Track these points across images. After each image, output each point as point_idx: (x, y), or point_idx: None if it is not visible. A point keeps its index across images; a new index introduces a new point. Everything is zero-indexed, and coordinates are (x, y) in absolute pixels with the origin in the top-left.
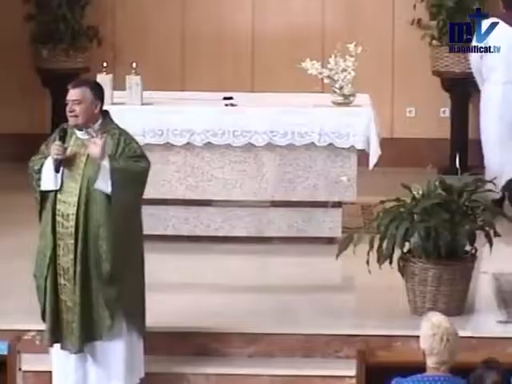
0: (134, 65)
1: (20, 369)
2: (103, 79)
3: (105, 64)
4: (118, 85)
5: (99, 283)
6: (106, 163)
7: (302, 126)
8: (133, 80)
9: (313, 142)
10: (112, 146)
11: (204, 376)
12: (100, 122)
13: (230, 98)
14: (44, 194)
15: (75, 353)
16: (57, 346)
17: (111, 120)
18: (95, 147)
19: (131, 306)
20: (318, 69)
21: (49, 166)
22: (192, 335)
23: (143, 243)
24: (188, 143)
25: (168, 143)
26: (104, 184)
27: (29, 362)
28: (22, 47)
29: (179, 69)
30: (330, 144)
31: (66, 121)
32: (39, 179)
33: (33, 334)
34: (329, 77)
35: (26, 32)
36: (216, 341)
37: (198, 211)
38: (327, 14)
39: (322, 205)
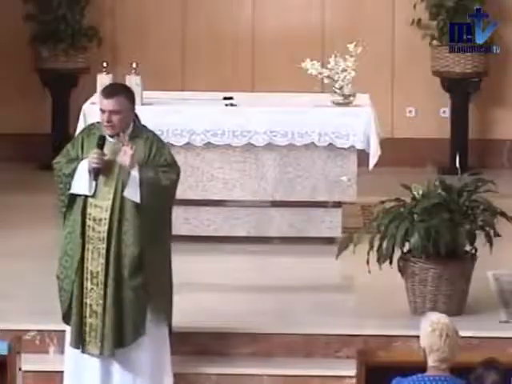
0: (134, 65)
1: (20, 369)
2: (103, 79)
3: (105, 64)
4: None
5: (131, 287)
6: (135, 173)
7: (302, 126)
8: (133, 80)
9: (313, 142)
10: (144, 150)
11: (204, 376)
12: (132, 126)
13: (230, 98)
14: (72, 197)
15: (109, 356)
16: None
17: (141, 123)
18: (125, 156)
19: (160, 305)
20: (317, 69)
21: (84, 171)
22: (192, 335)
23: (171, 247)
24: (188, 143)
25: (168, 143)
26: (133, 193)
27: (29, 362)
28: (21, 47)
29: (179, 69)
30: (330, 144)
31: (66, 121)
32: (69, 183)
33: (33, 333)
34: (329, 77)
35: (26, 32)
36: (216, 341)
37: (198, 211)
38: (327, 14)
39: (322, 205)
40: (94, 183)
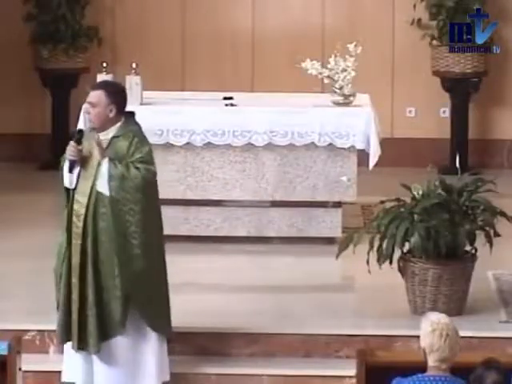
0: (134, 65)
1: (20, 369)
2: (103, 79)
3: (105, 64)
4: None
5: (112, 284)
6: (105, 165)
7: (302, 126)
8: (133, 80)
9: (313, 142)
10: (124, 146)
11: (204, 376)
12: (119, 125)
13: (230, 98)
14: (66, 192)
15: (94, 353)
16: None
17: (134, 122)
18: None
19: (148, 308)
20: (317, 69)
21: (66, 165)
22: (192, 335)
23: (163, 247)
24: (188, 143)
25: (168, 143)
26: (102, 185)
27: (29, 362)
28: (22, 47)
29: (179, 69)
30: (330, 144)
31: (66, 121)
32: (63, 176)
33: (33, 333)
34: (329, 77)
35: (26, 32)
36: (216, 341)
37: (197, 211)
38: (327, 14)
39: (322, 205)
40: (74, 176)
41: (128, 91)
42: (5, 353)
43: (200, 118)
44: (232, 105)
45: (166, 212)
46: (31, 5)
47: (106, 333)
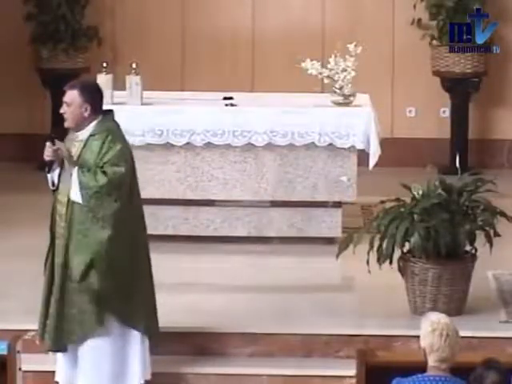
0: (134, 65)
1: (20, 369)
2: (103, 79)
3: (105, 64)
4: (118, 85)
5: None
6: (74, 177)
7: (301, 126)
8: (133, 80)
9: (313, 142)
10: (99, 146)
11: (204, 376)
12: (95, 123)
13: (230, 98)
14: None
15: (47, 351)
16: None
17: (111, 120)
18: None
19: (124, 309)
20: (318, 69)
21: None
22: (192, 335)
23: (144, 246)
24: (188, 143)
25: (168, 143)
26: (75, 195)
27: (29, 362)
28: (21, 47)
29: (179, 69)
30: (330, 144)
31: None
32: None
33: (33, 334)
34: (329, 77)
35: (26, 32)
36: (216, 341)
37: (197, 211)
38: (327, 14)
39: (322, 205)
40: (54, 177)
41: (128, 91)
42: (5, 353)
43: (200, 118)
44: (232, 105)
45: (166, 212)
46: (31, 5)
47: (61, 337)
